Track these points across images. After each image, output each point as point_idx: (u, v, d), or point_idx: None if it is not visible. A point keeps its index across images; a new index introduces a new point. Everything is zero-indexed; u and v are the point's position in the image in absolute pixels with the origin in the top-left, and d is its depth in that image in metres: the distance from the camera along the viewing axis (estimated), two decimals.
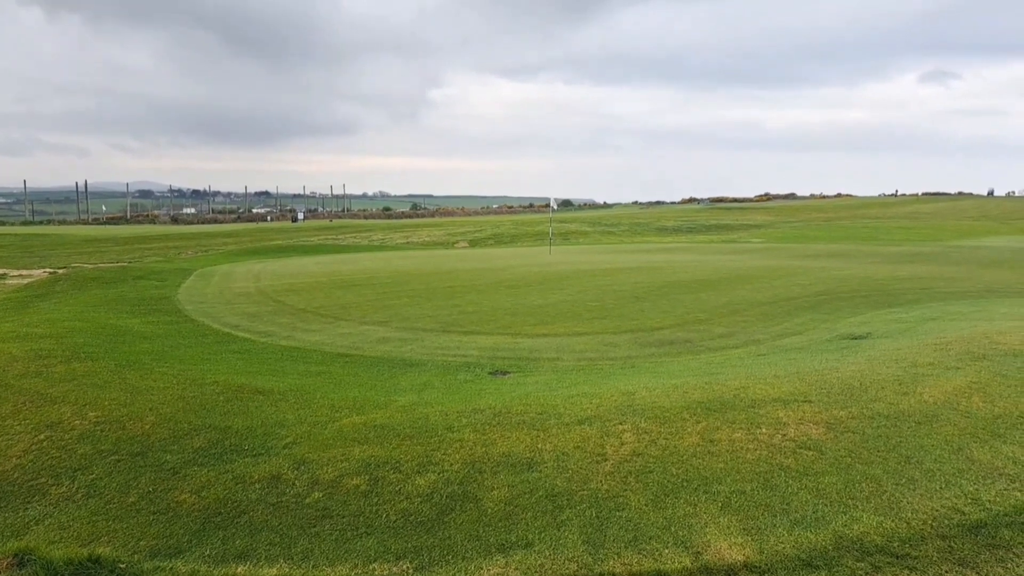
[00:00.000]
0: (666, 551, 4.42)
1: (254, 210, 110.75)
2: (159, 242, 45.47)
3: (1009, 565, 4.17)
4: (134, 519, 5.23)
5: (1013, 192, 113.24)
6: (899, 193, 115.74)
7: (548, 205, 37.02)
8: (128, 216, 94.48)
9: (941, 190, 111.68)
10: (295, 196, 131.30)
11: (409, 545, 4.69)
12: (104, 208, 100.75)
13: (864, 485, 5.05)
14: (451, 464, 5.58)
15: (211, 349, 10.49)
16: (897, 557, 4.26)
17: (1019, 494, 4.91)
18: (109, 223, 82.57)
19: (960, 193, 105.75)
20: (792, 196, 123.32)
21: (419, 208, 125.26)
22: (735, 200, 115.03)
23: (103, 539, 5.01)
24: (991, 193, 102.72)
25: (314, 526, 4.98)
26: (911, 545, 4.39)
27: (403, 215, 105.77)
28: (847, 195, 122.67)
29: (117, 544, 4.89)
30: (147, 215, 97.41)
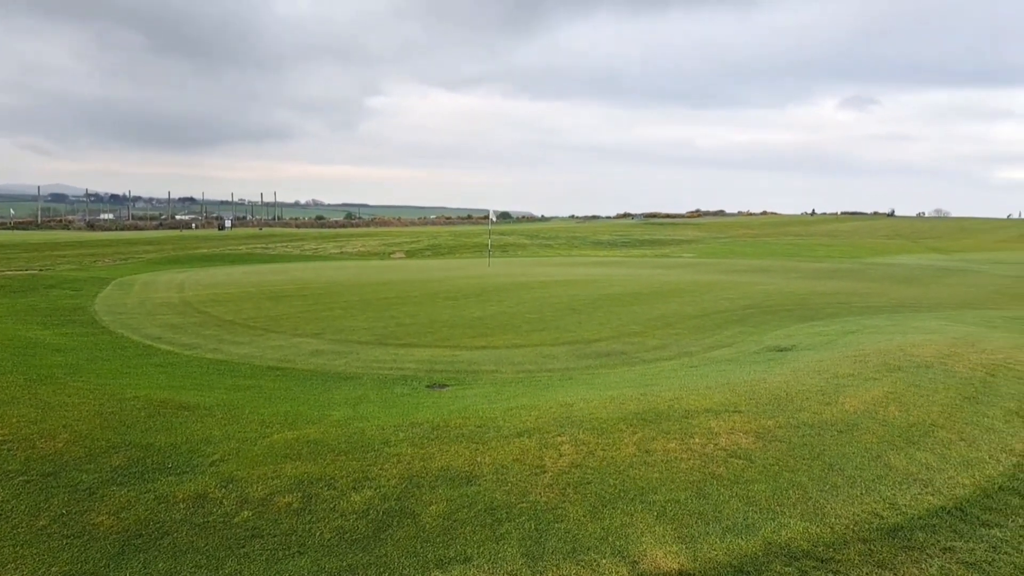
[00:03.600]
0: (603, 561, 4.47)
1: (178, 217, 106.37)
2: (73, 249, 42.99)
3: (923, 565, 4.43)
4: (45, 544, 4.89)
5: (923, 212, 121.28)
6: (817, 212, 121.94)
7: (487, 217, 37.16)
8: (39, 221, 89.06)
9: (858, 209, 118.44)
10: (222, 203, 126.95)
11: (344, 564, 4.57)
12: (12, 212, 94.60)
13: (791, 492, 5.26)
14: (388, 479, 5.49)
15: (131, 362, 9.97)
16: (822, 561, 4.45)
17: (932, 498, 5.23)
18: (18, 228, 77.56)
19: (876, 213, 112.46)
20: (721, 213, 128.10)
21: (354, 218, 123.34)
22: (668, 216, 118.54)
23: (9, 566, 4.67)
24: (892, 213, 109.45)
25: (243, 547, 4.78)
26: (835, 549, 4.60)
27: (337, 224, 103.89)
28: (772, 213, 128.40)
29: (25, 571, 4.56)
30: (60, 220, 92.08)
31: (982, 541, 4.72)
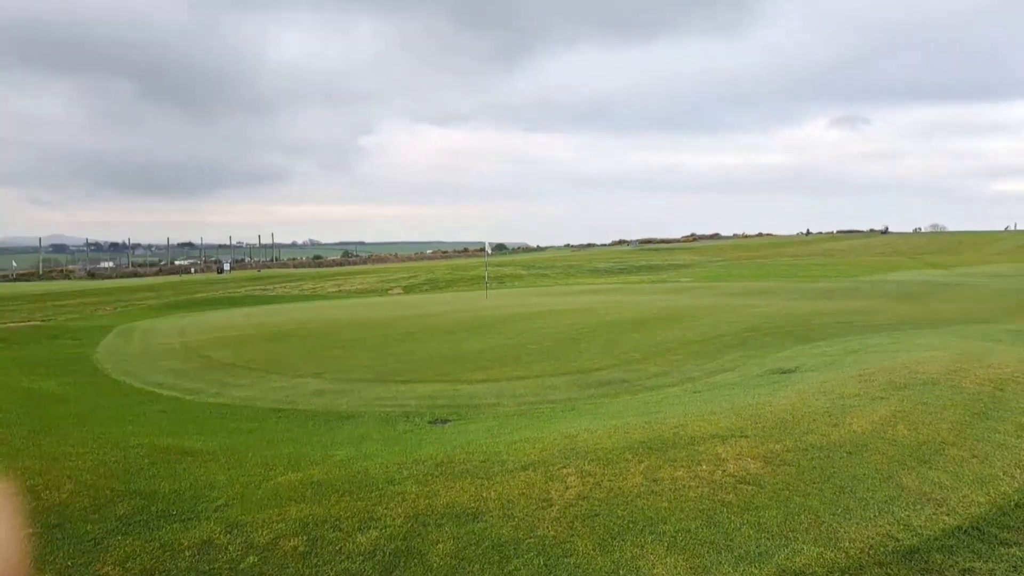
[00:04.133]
0: None
1: (177, 262, 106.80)
2: (75, 298, 43.05)
3: None
4: None
5: (920, 228, 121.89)
6: (811, 232, 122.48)
7: (483, 249, 37.27)
8: (40, 272, 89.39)
9: (854, 227, 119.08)
10: (220, 247, 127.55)
11: None
12: (15, 264, 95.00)
13: (803, 517, 5.19)
14: (393, 519, 5.41)
15: (134, 410, 9.92)
16: None
17: (947, 518, 5.15)
18: (20, 279, 77.75)
19: (872, 230, 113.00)
20: (717, 236, 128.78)
21: (351, 255, 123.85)
22: (663, 241, 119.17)
23: None
24: (886, 230, 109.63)
25: None
26: (851, 574, 4.52)
27: (334, 263, 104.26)
28: (768, 234, 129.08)
29: None
30: (61, 270, 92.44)
31: (1002, 561, 4.64)
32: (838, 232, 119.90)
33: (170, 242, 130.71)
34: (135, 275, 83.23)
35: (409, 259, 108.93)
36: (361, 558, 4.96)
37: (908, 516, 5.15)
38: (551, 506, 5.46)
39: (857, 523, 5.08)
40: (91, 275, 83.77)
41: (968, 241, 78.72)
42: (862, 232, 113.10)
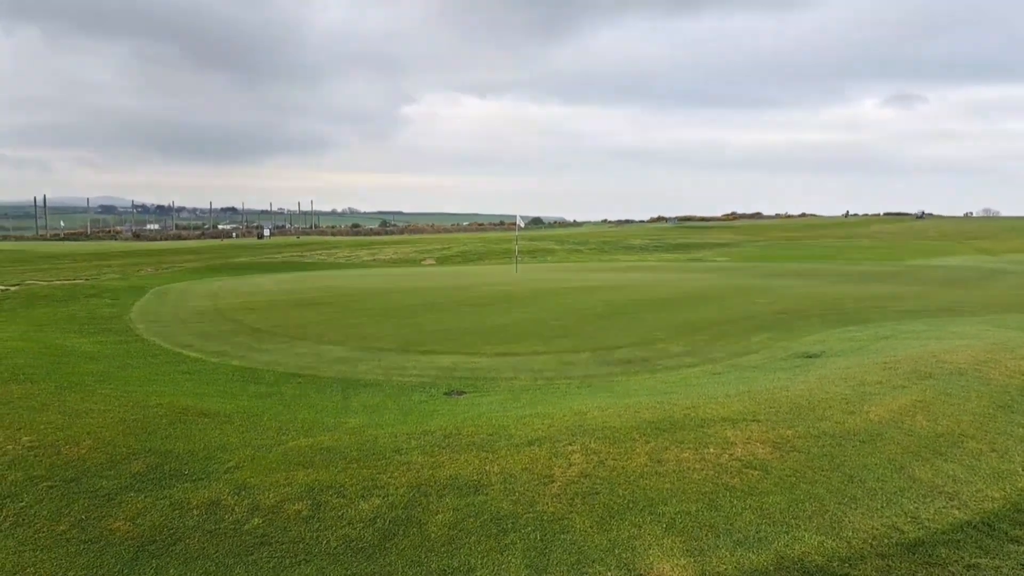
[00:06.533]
0: (609, 574, 4.39)
1: (220, 226, 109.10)
2: (119, 259, 44.39)
3: None
4: (63, 549, 5.02)
5: (971, 212, 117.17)
6: (853, 214, 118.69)
7: (515, 223, 37.13)
8: (89, 232, 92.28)
9: (902, 210, 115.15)
10: (262, 212, 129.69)
11: (349, 573, 4.58)
12: (63, 224, 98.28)
13: (807, 504, 5.10)
14: (396, 488, 5.49)
15: (159, 370, 10.23)
16: None
17: (956, 512, 5.01)
18: (68, 239, 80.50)
19: (923, 213, 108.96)
20: (758, 215, 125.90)
21: (388, 225, 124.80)
22: (703, 219, 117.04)
23: (28, 570, 4.80)
24: (922, 215, 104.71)
25: (251, 554, 4.84)
26: (851, 564, 4.44)
27: (371, 232, 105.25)
28: (811, 215, 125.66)
29: None
30: (109, 231, 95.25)
31: (1009, 558, 4.50)
32: (884, 214, 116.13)
33: (213, 206, 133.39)
34: (179, 238, 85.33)
35: (445, 230, 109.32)
36: (362, 524, 5.06)
37: (916, 508, 5.02)
38: (552, 482, 5.47)
39: (863, 513, 4.97)
40: (136, 236, 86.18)
41: (1021, 227, 75.45)
42: (909, 215, 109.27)
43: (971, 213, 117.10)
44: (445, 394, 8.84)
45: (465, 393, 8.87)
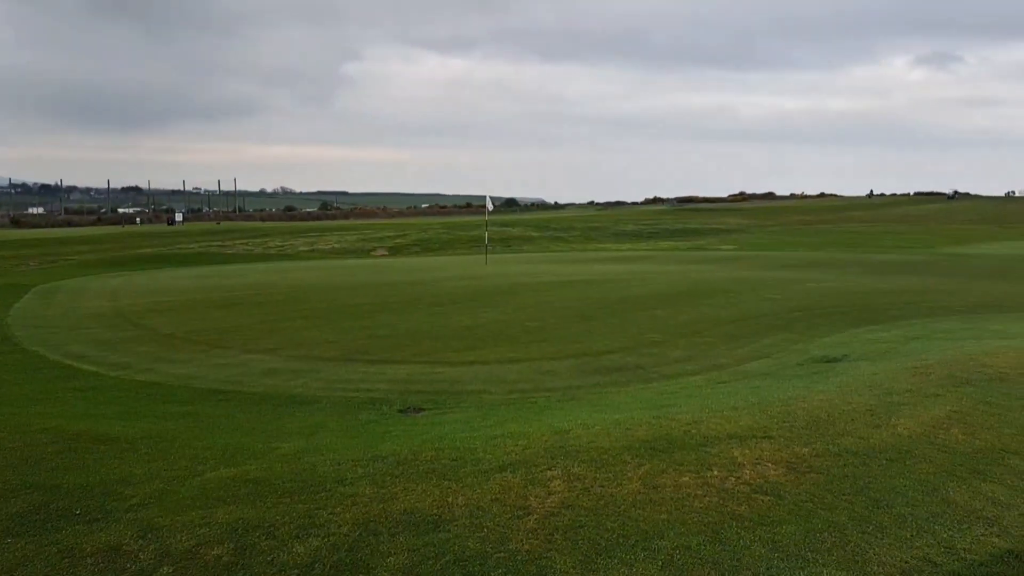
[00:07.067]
0: None
1: (120, 210, 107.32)
2: None
3: None
4: None
5: (1013, 192, 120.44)
6: (878, 194, 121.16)
7: (484, 205, 37.15)
8: None
9: (936, 189, 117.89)
10: (173, 192, 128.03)
11: None
12: None
13: (826, 535, 5.20)
14: (340, 526, 5.46)
15: (45, 387, 10.05)
16: None
17: (997, 539, 5.15)
18: None
19: (956, 193, 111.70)
20: (770, 196, 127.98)
21: (330, 208, 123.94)
22: (706, 200, 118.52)
23: None
24: (954, 195, 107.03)
25: None
26: None
27: (309, 216, 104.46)
28: (831, 195, 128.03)
29: None
30: None
31: None
32: (915, 194, 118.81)
33: (112, 186, 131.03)
34: (69, 224, 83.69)
35: (399, 214, 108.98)
36: (296, 571, 5.01)
37: (952, 536, 5.15)
38: (528, 515, 5.49)
39: (890, 543, 5.08)
40: (16, 223, 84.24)
41: None
42: (944, 195, 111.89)
43: (1013, 192, 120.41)
44: (400, 411, 8.83)
45: (424, 410, 8.86)
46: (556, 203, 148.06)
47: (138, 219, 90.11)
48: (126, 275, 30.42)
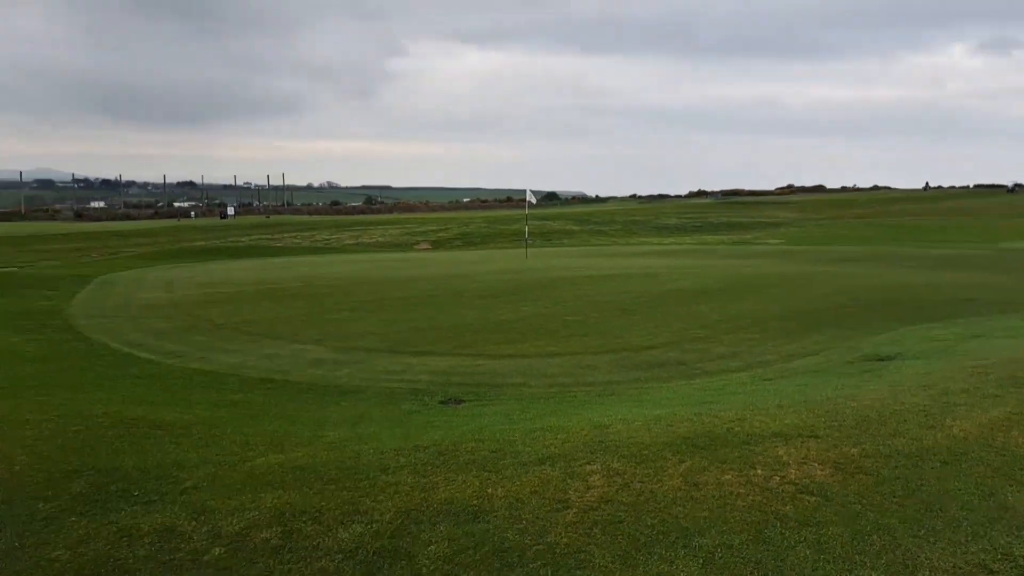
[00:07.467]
0: None
1: (176, 204, 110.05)
2: (59, 243, 44.86)
3: None
4: None
5: None
6: (935, 187, 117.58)
7: (525, 199, 37.16)
8: (23, 211, 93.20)
9: (996, 181, 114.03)
10: (225, 187, 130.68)
11: None
12: None
13: (875, 538, 5.08)
14: (382, 514, 5.52)
15: (105, 373, 10.37)
16: None
17: None
18: (0, 219, 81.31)
19: (1017, 185, 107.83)
20: (820, 188, 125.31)
21: (374, 202, 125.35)
22: (752, 193, 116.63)
23: None
24: (1014, 188, 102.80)
25: None
26: None
27: (354, 210, 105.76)
28: (884, 187, 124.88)
29: None
30: (46, 210, 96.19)
31: None
32: (975, 187, 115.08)
33: (167, 180, 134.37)
34: (128, 217, 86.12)
35: (441, 208, 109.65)
36: (340, 556, 5.09)
37: (1009, 543, 4.98)
38: (567, 508, 5.48)
39: (943, 548, 4.94)
40: (79, 216, 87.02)
41: None
42: (1005, 187, 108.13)
43: None
44: (441, 402, 8.90)
45: (464, 402, 8.91)
46: (597, 196, 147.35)
47: (192, 212, 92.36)
48: (181, 267, 31.19)
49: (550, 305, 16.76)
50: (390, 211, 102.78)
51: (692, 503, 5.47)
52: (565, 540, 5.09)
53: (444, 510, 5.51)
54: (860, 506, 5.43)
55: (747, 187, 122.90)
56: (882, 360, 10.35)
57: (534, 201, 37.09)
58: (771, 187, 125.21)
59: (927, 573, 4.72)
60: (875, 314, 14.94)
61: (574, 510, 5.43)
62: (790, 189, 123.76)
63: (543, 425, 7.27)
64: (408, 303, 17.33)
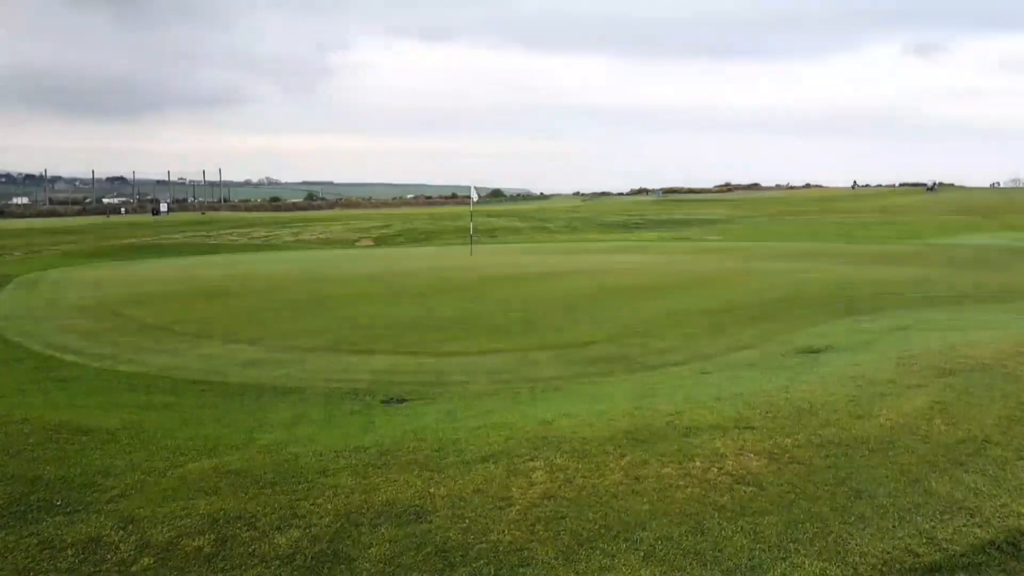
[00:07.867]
0: None
1: (105, 200, 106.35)
2: None
3: None
4: None
5: (998, 183, 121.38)
6: (863, 185, 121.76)
7: (470, 196, 37.09)
8: None
9: (920, 180, 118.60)
10: (159, 183, 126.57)
11: None
12: None
13: (808, 525, 5.21)
14: (320, 517, 5.42)
15: (26, 377, 9.95)
16: None
17: (978, 530, 5.17)
18: None
19: (940, 184, 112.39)
20: (756, 186, 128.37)
21: (315, 198, 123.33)
22: (692, 191, 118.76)
23: None
24: (934, 187, 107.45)
25: None
26: None
27: (295, 206, 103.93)
28: (817, 185, 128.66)
29: None
30: None
31: None
32: (900, 185, 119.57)
33: (96, 176, 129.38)
34: (53, 214, 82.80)
35: (385, 205, 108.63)
36: (277, 562, 4.97)
37: (933, 527, 5.17)
38: (510, 506, 5.47)
39: (871, 534, 5.09)
40: (0, 212, 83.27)
41: None
42: (924, 186, 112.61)
43: (998, 183, 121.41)
44: (382, 402, 8.80)
45: (407, 401, 8.83)
46: (541, 193, 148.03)
47: (123, 209, 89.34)
48: (110, 266, 30.17)
49: (494, 302, 16.76)
50: (332, 207, 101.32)
51: (633, 497, 5.52)
52: (508, 538, 5.08)
53: (385, 511, 5.44)
54: (793, 495, 5.56)
55: (687, 185, 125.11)
56: (814, 353, 10.63)
57: (476, 198, 37.02)
58: (709, 185, 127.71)
59: (857, 558, 4.86)
60: (808, 308, 15.35)
61: (517, 507, 5.42)
62: (727, 187, 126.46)
63: (487, 422, 7.25)
64: (349, 301, 17.10)
